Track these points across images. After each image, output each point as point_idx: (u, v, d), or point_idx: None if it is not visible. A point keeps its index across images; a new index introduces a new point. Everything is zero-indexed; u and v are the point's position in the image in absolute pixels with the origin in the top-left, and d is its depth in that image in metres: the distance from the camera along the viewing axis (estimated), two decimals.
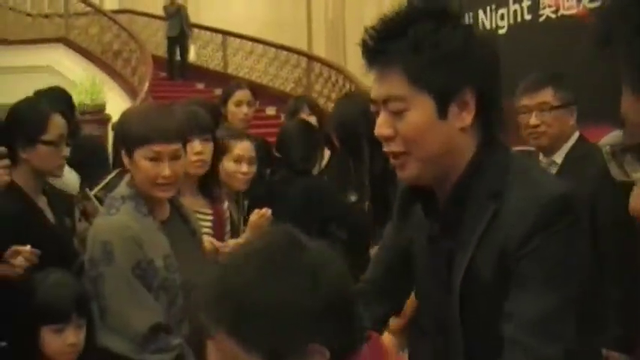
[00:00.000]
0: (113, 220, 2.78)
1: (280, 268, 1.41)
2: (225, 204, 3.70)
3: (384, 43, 1.70)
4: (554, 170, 3.42)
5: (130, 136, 2.81)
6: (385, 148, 1.75)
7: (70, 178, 3.64)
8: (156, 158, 2.76)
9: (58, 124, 3.15)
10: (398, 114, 1.69)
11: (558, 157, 3.49)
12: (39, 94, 4.40)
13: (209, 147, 3.45)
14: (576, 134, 3.53)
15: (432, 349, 1.96)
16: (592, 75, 4.30)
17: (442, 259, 1.80)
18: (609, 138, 3.56)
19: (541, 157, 3.56)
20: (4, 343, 2.83)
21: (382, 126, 1.72)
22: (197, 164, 3.39)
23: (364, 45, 1.73)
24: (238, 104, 4.88)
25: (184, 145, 2.89)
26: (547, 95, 3.48)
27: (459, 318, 1.76)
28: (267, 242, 1.49)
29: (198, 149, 3.37)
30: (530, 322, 1.65)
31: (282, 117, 9.84)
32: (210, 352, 1.44)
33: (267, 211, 3.59)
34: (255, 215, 3.59)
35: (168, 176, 2.77)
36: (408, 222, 1.95)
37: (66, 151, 3.18)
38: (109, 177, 3.77)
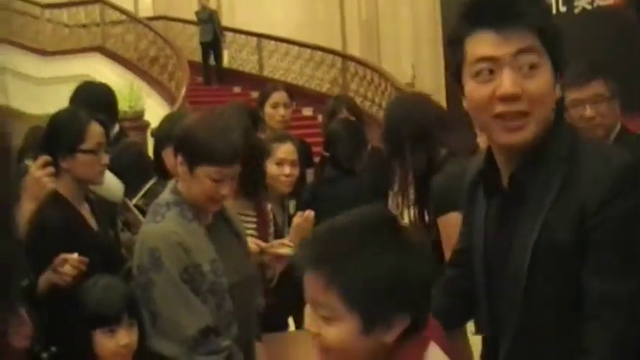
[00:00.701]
0: (159, 227, 2.82)
1: (388, 244, 1.61)
2: (269, 206, 3.73)
3: (520, 5, 1.79)
4: None
5: (197, 150, 2.81)
6: (506, 107, 1.77)
7: (114, 186, 3.67)
8: (219, 179, 2.80)
9: (96, 132, 3.16)
10: (530, 72, 1.76)
11: None
12: (78, 97, 4.39)
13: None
14: (619, 125, 3.51)
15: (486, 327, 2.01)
16: (627, 65, 4.26)
17: (508, 225, 1.86)
18: None
19: None
20: (53, 349, 2.89)
21: (513, 84, 1.75)
22: None
23: (491, 5, 1.81)
24: (275, 106, 4.89)
25: None
26: (599, 86, 3.45)
27: (526, 281, 1.79)
28: (372, 218, 1.69)
29: None
30: (611, 299, 1.70)
31: (320, 118, 9.83)
32: (314, 305, 1.63)
33: (310, 214, 3.61)
34: (298, 218, 3.62)
35: (226, 196, 2.84)
36: (472, 212, 2.03)
37: (105, 158, 3.20)
38: (148, 185, 3.78)
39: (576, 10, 6.03)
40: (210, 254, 2.83)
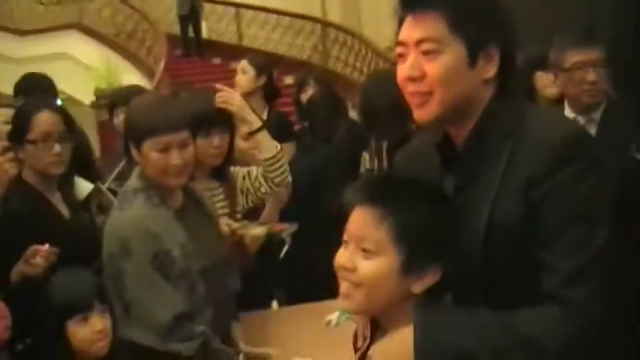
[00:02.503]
0: (127, 215, 2.79)
1: (436, 196, 1.81)
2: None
3: None
4: (593, 128, 3.33)
5: (137, 129, 2.81)
6: (409, 89, 1.83)
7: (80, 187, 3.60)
8: (164, 149, 2.76)
9: (42, 121, 3.11)
10: (430, 56, 1.78)
11: (597, 115, 3.40)
12: (20, 87, 4.53)
13: (226, 138, 3.43)
14: None
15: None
16: None
17: (463, 207, 1.82)
18: None
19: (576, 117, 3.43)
20: (28, 340, 2.85)
21: (412, 67, 1.81)
22: (216, 156, 3.40)
23: None
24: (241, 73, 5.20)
25: (194, 133, 2.90)
26: (600, 51, 3.38)
27: (482, 263, 1.77)
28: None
29: (217, 143, 3.37)
30: (568, 275, 1.66)
31: None
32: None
33: None
34: None
35: (178, 165, 2.77)
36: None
37: (57, 147, 3.11)
38: (119, 167, 3.73)
39: None
40: (179, 239, 2.78)
